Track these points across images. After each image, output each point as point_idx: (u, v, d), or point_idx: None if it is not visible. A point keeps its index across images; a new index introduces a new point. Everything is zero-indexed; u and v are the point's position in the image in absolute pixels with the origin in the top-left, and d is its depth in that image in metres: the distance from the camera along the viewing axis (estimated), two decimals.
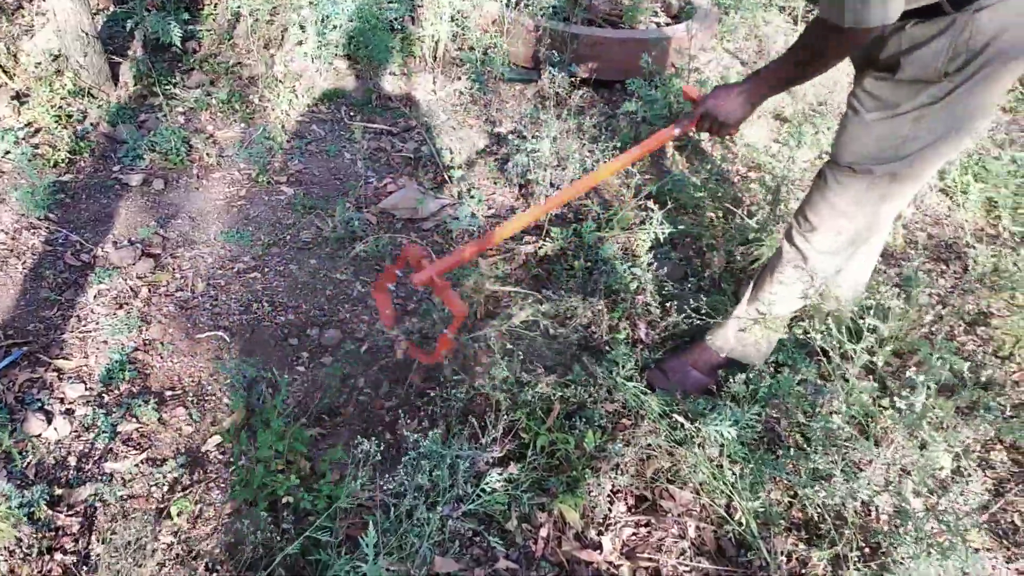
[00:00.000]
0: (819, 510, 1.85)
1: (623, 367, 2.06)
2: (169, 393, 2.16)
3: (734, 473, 1.88)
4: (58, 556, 1.72)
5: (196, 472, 1.95)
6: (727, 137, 1.96)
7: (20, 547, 1.66)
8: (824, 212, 1.94)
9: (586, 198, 3.05)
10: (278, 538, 1.72)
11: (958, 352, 2.48)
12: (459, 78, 3.68)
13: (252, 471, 1.84)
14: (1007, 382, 2.36)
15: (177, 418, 2.09)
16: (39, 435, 1.98)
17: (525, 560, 1.82)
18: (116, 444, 1.99)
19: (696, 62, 4.03)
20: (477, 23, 3.71)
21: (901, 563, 1.68)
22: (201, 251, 2.64)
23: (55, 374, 2.15)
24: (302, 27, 3.56)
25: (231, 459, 1.95)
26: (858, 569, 1.75)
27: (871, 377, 2.19)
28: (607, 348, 2.27)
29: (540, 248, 2.73)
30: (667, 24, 4.38)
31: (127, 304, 2.39)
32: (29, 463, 1.91)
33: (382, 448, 1.84)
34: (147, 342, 2.29)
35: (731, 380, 2.02)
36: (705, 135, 1.98)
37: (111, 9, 3.62)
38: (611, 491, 1.95)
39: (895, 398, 1.80)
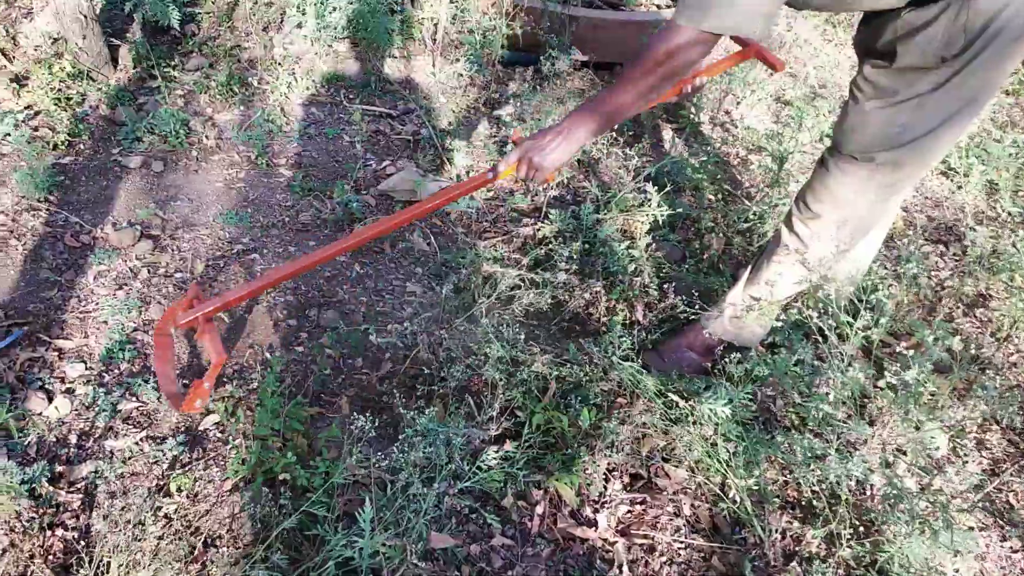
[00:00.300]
0: (813, 489, 1.86)
1: (619, 347, 2.07)
2: None
3: (728, 452, 1.89)
4: (59, 532, 1.73)
5: (195, 450, 1.97)
6: (542, 184, 1.76)
7: (20, 521, 1.68)
8: (826, 200, 1.93)
9: (585, 180, 3.06)
10: (276, 513, 1.74)
11: (955, 333, 2.48)
12: (458, 60, 3.67)
13: (249, 448, 1.86)
14: (1004, 363, 2.37)
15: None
16: (40, 413, 1.99)
17: (521, 537, 1.83)
18: (116, 422, 2.01)
19: None
20: (476, 5, 3.70)
21: (893, 541, 1.70)
22: (200, 233, 2.65)
23: (56, 354, 2.16)
24: (301, 9, 3.55)
25: (229, 437, 1.96)
26: (851, 547, 1.76)
27: (868, 359, 2.20)
28: (604, 329, 2.28)
29: (538, 230, 2.73)
30: (668, 7, 4.36)
31: (127, 285, 2.41)
32: (30, 441, 1.92)
33: (377, 426, 1.85)
34: (146, 322, 2.30)
35: (726, 360, 2.03)
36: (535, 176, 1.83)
37: None
38: (606, 469, 1.97)
39: (888, 374, 1.81)
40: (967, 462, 2.07)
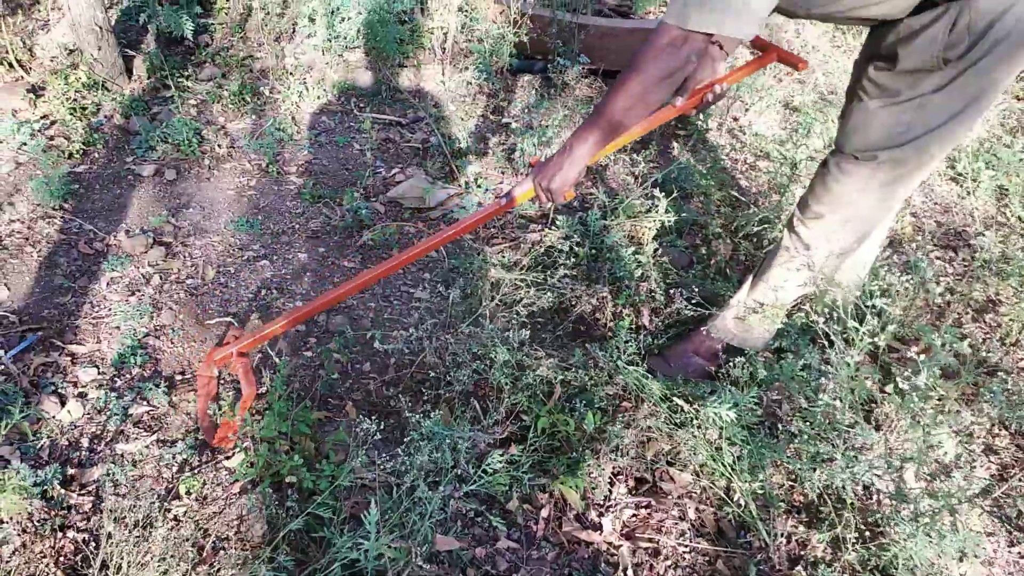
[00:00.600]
0: (819, 493, 1.85)
1: (624, 352, 2.08)
2: (179, 377, 2.20)
3: (733, 456, 1.90)
4: (70, 533, 1.76)
5: (204, 453, 1.99)
6: (563, 200, 1.83)
7: (32, 522, 1.71)
8: (827, 201, 1.93)
9: (592, 186, 3.07)
10: (283, 515, 1.76)
11: (963, 338, 2.47)
12: (467, 68, 3.70)
13: (257, 452, 1.88)
14: (1013, 368, 2.36)
15: (187, 401, 2.13)
16: (53, 417, 2.03)
17: (526, 540, 1.84)
18: (127, 426, 2.04)
19: None
20: (485, 14, 3.73)
21: (898, 543, 1.69)
22: (211, 240, 2.69)
23: (69, 359, 2.20)
24: (312, 20, 3.60)
25: (238, 440, 1.99)
26: (856, 551, 1.76)
27: (875, 364, 2.20)
28: (610, 334, 2.29)
29: (545, 236, 2.75)
30: None
31: (139, 291, 2.44)
32: (43, 444, 1.95)
33: (384, 429, 1.86)
34: (158, 328, 2.33)
35: (731, 364, 2.03)
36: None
37: (124, 3, 3.67)
38: (611, 473, 1.97)
39: (897, 379, 1.80)
40: (975, 467, 2.06)
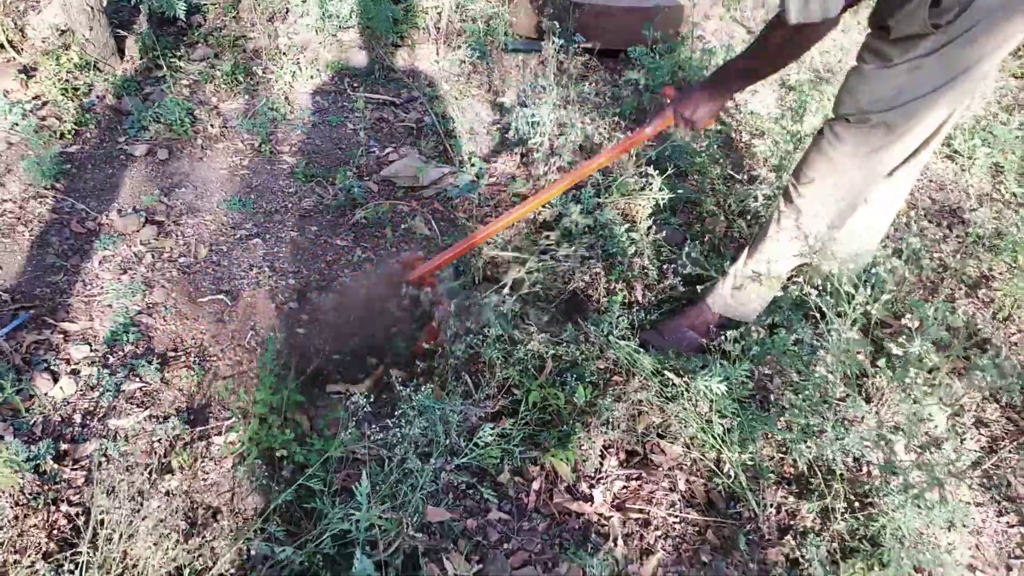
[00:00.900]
0: (809, 464, 1.86)
1: (616, 326, 2.08)
2: (172, 354, 2.20)
3: (723, 427, 1.90)
4: (64, 507, 1.77)
5: (197, 428, 2.00)
6: (700, 131, 2.06)
7: (25, 496, 1.71)
8: (821, 166, 1.96)
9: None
10: (274, 488, 1.77)
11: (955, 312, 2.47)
12: (460, 47, 3.68)
13: (248, 426, 1.88)
14: (1005, 342, 2.36)
15: (179, 377, 2.13)
16: (46, 394, 2.03)
17: (517, 512, 1.85)
18: (120, 402, 2.04)
19: (700, 30, 4.01)
20: None
21: (887, 514, 1.70)
22: (204, 218, 2.68)
23: (61, 336, 2.20)
24: None
25: (230, 415, 1.99)
26: (845, 520, 1.77)
27: (867, 337, 2.19)
28: (604, 310, 2.29)
29: (539, 214, 2.74)
30: None
31: (131, 269, 2.44)
32: (36, 420, 1.96)
33: (375, 403, 1.87)
34: (150, 306, 2.33)
35: (723, 337, 2.03)
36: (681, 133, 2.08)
37: None
38: (602, 446, 1.98)
39: (891, 346, 1.81)
40: (965, 439, 2.07)
